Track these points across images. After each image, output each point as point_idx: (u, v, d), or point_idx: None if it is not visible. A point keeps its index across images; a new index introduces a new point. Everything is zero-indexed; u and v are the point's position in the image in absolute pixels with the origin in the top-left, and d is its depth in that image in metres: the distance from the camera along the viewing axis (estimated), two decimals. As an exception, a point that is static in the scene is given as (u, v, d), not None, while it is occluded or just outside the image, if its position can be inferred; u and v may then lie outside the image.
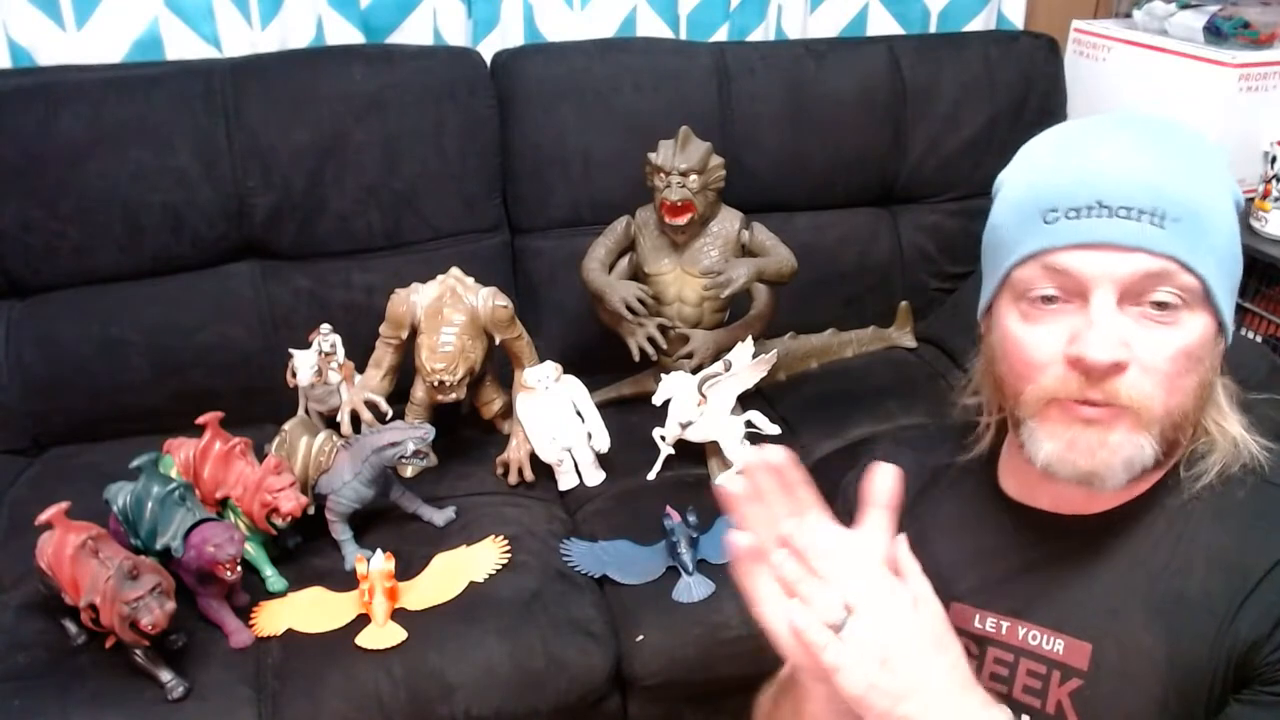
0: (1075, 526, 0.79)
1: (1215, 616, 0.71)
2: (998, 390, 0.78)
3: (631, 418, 1.65)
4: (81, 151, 1.61)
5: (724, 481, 0.70)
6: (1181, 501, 0.76)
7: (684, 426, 1.53)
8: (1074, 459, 0.72)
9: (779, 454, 0.69)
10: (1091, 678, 0.76)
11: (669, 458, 1.58)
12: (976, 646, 0.82)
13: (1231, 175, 0.74)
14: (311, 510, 1.38)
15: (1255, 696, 0.70)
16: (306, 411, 1.58)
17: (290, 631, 1.28)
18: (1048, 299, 0.72)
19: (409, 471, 1.49)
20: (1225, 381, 0.79)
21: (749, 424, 1.53)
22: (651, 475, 1.58)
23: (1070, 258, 0.70)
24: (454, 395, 1.52)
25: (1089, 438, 0.71)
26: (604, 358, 1.74)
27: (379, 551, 1.33)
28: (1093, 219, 0.69)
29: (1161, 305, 0.69)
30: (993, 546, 0.84)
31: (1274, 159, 1.79)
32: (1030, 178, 0.74)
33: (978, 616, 0.82)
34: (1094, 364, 0.68)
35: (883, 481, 0.69)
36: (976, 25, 2.15)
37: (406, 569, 1.35)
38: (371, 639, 1.25)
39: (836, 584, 0.65)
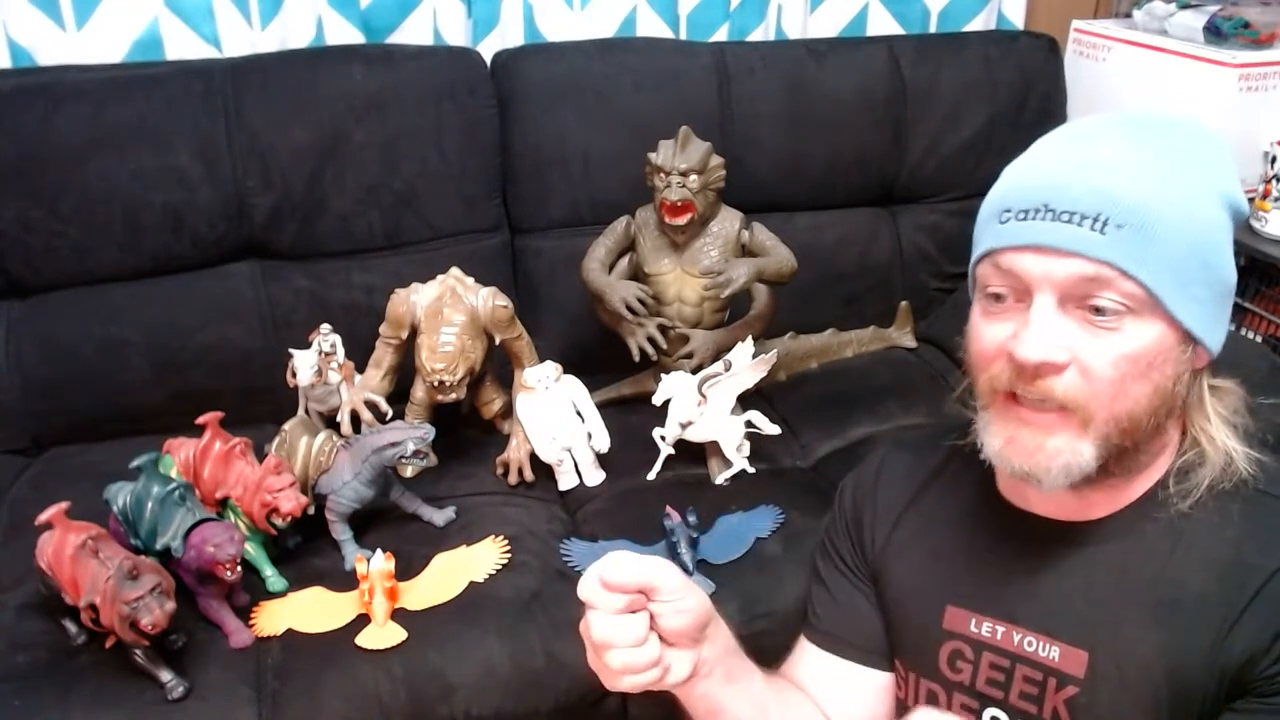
0: (1069, 533, 0.79)
1: (1212, 627, 0.71)
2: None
3: (631, 418, 1.64)
4: (81, 151, 1.61)
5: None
6: (1175, 513, 0.76)
7: (684, 426, 1.53)
8: (1011, 456, 0.73)
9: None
10: (1088, 686, 0.76)
11: (669, 458, 1.58)
12: (972, 651, 0.82)
13: (1230, 182, 0.73)
14: (311, 510, 1.38)
15: (1248, 705, 0.70)
16: (306, 411, 1.58)
17: (290, 631, 1.27)
18: (999, 296, 0.73)
19: (409, 471, 1.49)
20: (1230, 387, 0.79)
21: (749, 424, 1.53)
22: (651, 475, 1.58)
23: (1015, 259, 0.71)
24: (454, 395, 1.52)
25: (1026, 438, 0.73)
26: (604, 358, 1.74)
27: (379, 551, 1.33)
28: (1037, 221, 0.70)
29: (1099, 310, 0.69)
30: (988, 549, 0.84)
31: (1274, 159, 1.79)
32: (1005, 178, 0.76)
33: (973, 620, 0.82)
34: (1023, 362, 0.70)
35: None
36: (976, 25, 2.15)
37: (406, 569, 1.35)
38: (371, 639, 1.25)
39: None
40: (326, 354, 1.53)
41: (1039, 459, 0.72)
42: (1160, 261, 0.69)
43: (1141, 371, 0.70)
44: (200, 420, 1.39)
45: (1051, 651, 0.78)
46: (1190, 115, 0.79)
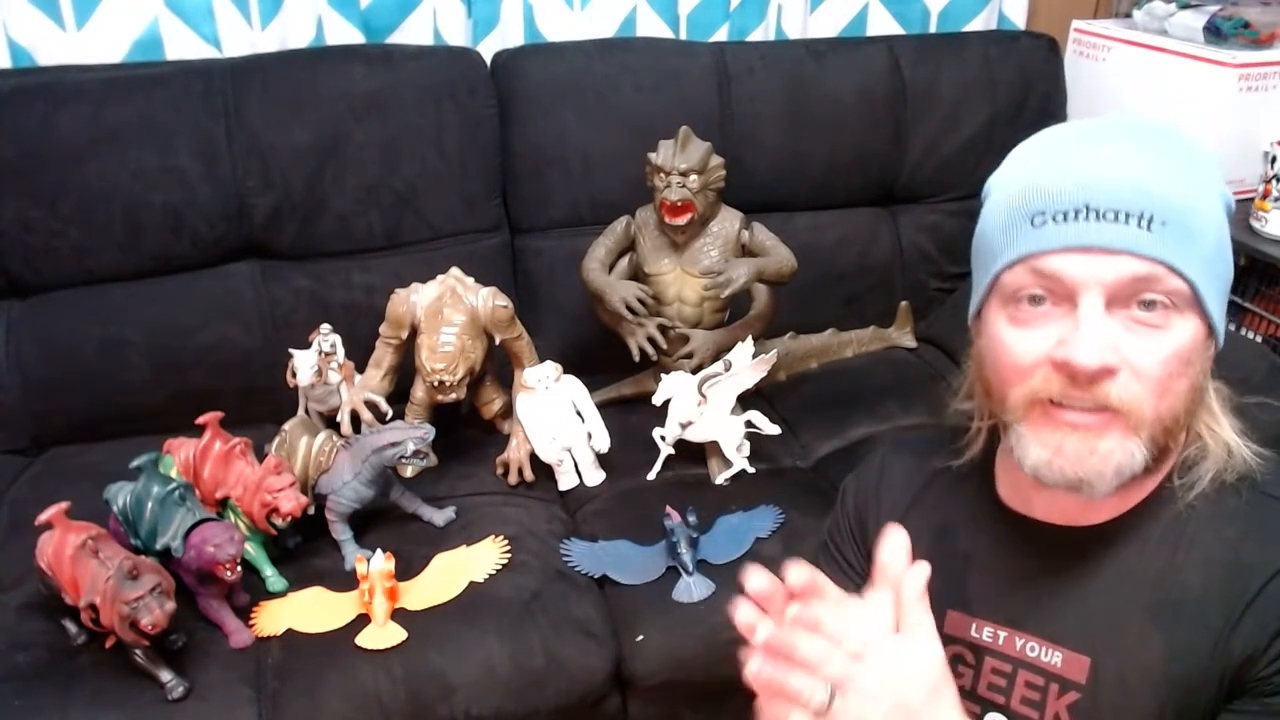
0: (1071, 538, 0.79)
1: (1212, 629, 0.71)
2: (987, 395, 0.78)
3: (631, 418, 1.65)
4: (81, 151, 1.61)
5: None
6: (1176, 513, 0.75)
7: (684, 426, 1.53)
8: (1062, 465, 0.71)
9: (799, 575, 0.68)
10: (1090, 691, 0.75)
11: (669, 458, 1.58)
12: (973, 655, 0.82)
13: (1221, 178, 0.74)
14: (311, 510, 1.38)
15: (1245, 706, 0.70)
16: (306, 411, 1.58)
17: (290, 631, 1.28)
18: (1036, 301, 0.71)
19: (409, 471, 1.49)
20: (1218, 385, 0.79)
21: (749, 424, 1.54)
22: (651, 475, 1.58)
23: (1058, 261, 0.70)
24: (454, 395, 1.52)
25: (1077, 445, 0.70)
26: (604, 358, 1.74)
27: (379, 551, 1.33)
28: (1080, 222, 0.69)
29: (1150, 307, 0.69)
30: (988, 554, 0.83)
31: (1274, 159, 1.79)
32: (1019, 181, 0.74)
33: (974, 625, 0.82)
34: (1081, 368, 0.68)
35: (894, 552, 0.70)
36: (976, 25, 2.15)
37: (406, 569, 1.35)
38: (371, 639, 1.25)
39: (825, 659, 0.65)
40: (326, 354, 1.54)
41: (1092, 463, 0.70)
42: (1199, 257, 0.69)
43: (1182, 369, 0.70)
44: (200, 420, 1.39)
45: (1053, 657, 0.77)
46: (1173, 121, 0.79)
